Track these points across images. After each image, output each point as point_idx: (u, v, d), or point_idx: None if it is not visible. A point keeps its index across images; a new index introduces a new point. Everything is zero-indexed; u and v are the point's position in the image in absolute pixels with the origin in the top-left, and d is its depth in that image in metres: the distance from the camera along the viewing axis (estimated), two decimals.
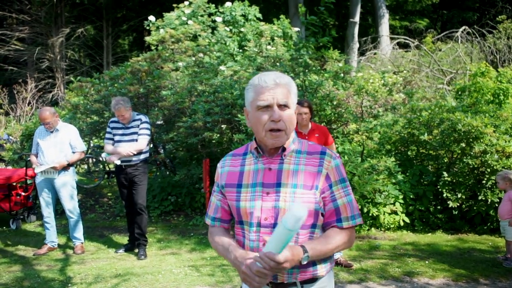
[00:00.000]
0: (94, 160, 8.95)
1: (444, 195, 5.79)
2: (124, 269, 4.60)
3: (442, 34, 13.57)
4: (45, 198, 5.17)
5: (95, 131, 7.48)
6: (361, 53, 13.53)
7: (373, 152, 6.32)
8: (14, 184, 6.26)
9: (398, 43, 13.22)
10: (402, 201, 5.86)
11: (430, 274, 4.44)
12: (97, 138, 8.69)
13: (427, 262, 4.78)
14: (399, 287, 4.14)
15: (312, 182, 1.60)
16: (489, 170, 5.59)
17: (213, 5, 9.61)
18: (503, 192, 5.10)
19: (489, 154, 5.56)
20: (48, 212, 5.18)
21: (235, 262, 1.58)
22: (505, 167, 5.46)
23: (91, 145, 8.87)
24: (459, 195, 5.72)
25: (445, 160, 6.15)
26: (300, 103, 4.27)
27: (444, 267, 4.63)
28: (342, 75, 6.94)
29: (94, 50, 19.93)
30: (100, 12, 19.26)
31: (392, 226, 5.87)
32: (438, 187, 5.88)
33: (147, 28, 9.08)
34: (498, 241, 5.48)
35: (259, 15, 9.81)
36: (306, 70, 6.59)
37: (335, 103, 6.24)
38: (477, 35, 12.24)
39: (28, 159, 6.04)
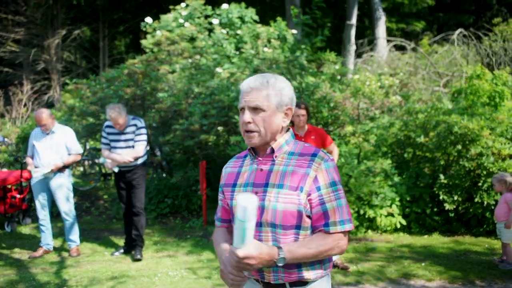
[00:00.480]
0: (90, 162, 8.91)
1: (441, 197, 5.80)
2: (120, 271, 4.58)
3: (438, 37, 13.62)
4: (40, 201, 5.14)
5: (91, 133, 7.46)
6: (358, 55, 13.56)
7: (370, 154, 6.33)
8: (9, 186, 6.22)
9: (394, 46, 13.26)
10: (398, 203, 5.87)
11: (427, 276, 4.44)
12: (93, 140, 8.66)
13: (423, 264, 4.78)
14: None
15: (297, 183, 1.60)
16: (485, 172, 5.60)
17: (210, 7, 9.61)
18: (499, 194, 5.12)
19: (485, 156, 5.58)
20: (43, 214, 5.15)
21: (219, 259, 1.66)
22: (501, 170, 5.47)
23: (87, 147, 8.83)
24: (455, 198, 5.74)
25: (442, 163, 6.16)
26: (297, 105, 4.28)
27: (441, 269, 4.64)
28: (338, 77, 6.95)
29: (90, 52, 19.87)
30: (97, 13, 19.22)
31: (388, 228, 5.88)
32: (435, 189, 5.89)
33: (144, 29, 9.06)
34: (494, 243, 5.50)
35: (256, 17, 9.81)
36: (303, 72, 6.60)
37: (331, 105, 6.25)
38: (473, 38, 12.30)
39: (24, 161, 6.01)
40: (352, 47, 13.48)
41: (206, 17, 9.49)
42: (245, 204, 1.41)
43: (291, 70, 6.59)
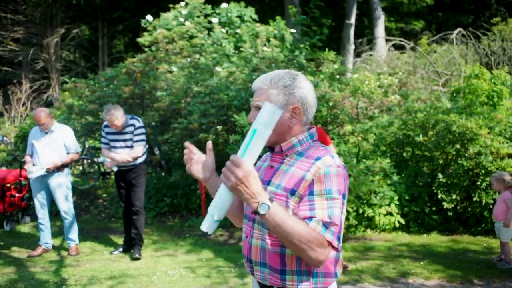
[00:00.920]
0: (89, 161, 8.91)
1: (439, 196, 5.81)
2: (119, 270, 4.58)
3: (437, 36, 13.62)
4: (39, 199, 5.14)
5: (90, 132, 7.45)
6: (357, 54, 13.56)
7: (369, 153, 6.33)
8: (8, 185, 6.22)
9: (393, 45, 13.26)
10: (397, 202, 5.88)
11: (425, 275, 4.45)
12: (92, 139, 8.66)
13: (422, 263, 4.79)
14: None
15: (291, 186, 1.53)
16: (483, 171, 5.62)
17: (209, 6, 9.60)
18: (497, 193, 5.13)
19: (484, 155, 5.59)
20: (42, 213, 5.15)
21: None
22: (500, 169, 5.49)
23: (86, 146, 8.83)
24: (454, 197, 5.75)
25: (440, 162, 6.17)
26: None
27: (439, 268, 4.65)
28: (337, 76, 6.95)
29: (90, 50, 19.86)
30: (96, 12, 19.20)
31: (387, 227, 5.89)
32: (433, 188, 5.90)
33: (145, 26, 9.04)
34: (493, 242, 5.51)
35: (255, 16, 9.81)
36: (302, 71, 6.60)
37: (330, 104, 6.25)
38: (471, 37, 12.30)
39: (23, 160, 6.01)
40: (351, 47, 13.49)
41: (206, 16, 9.49)
42: (265, 110, 1.43)
43: (289, 69, 6.58)
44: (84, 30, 19.92)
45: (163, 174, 7.74)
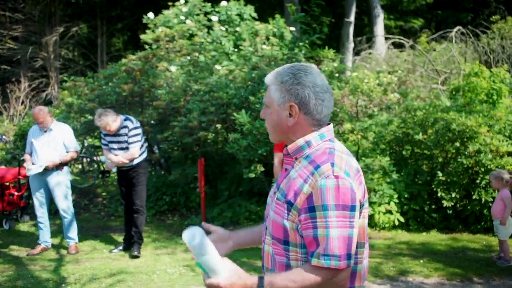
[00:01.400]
0: (88, 159, 8.90)
1: (439, 194, 5.81)
2: (118, 269, 4.58)
3: (436, 34, 13.62)
4: (38, 198, 5.13)
5: (89, 131, 7.44)
6: (356, 52, 13.55)
7: (368, 152, 6.34)
8: (7, 183, 6.21)
9: (393, 43, 13.26)
10: (396, 201, 5.88)
11: (425, 273, 4.46)
12: (91, 138, 8.64)
13: (421, 261, 4.80)
14: (394, 286, 4.16)
15: (290, 196, 1.43)
16: (483, 169, 5.62)
17: (209, 4, 9.58)
18: (496, 191, 5.13)
19: (483, 153, 5.59)
20: (41, 212, 5.15)
21: None
22: (499, 167, 5.49)
23: (85, 144, 8.82)
24: (453, 195, 5.75)
25: (440, 160, 6.17)
26: None
27: (439, 266, 4.65)
28: (337, 74, 6.94)
29: (88, 49, 19.81)
30: (94, 11, 19.14)
31: (387, 225, 5.89)
32: (433, 186, 5.90)
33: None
34: (492, 240, 5.52)
35: (255, 14, 9.79)
36: None
37: None
38: (471, 35, 12.30)
39: (22, 158, 6.00)
40: (351, 45, 13.48)
41: (205, 14, 9.48)
42: (188, 241, 1.37)
43: None
44: (83, 28, 19.88)
45: (162, 172, 7.74)
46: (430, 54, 11.93)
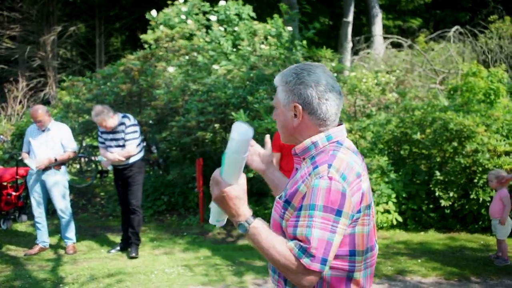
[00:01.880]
0: (86, 159, 8.89)
1: (437, 194, 5.82)
2: (116, 269, 4.57)
3: (434, 34, 13.63)
4: (36, 198, 5.12)
5: (87, 131, 7.43)
6: (355, 52, 13.56)
7: (366, 151, 6.33)
8: (5, 183, 6.20)
9: (391, 43, 13.26)
10: (394, 200, 5.89)
11: (423, 272, 4.46)
12: (89, 138, 8.64)
13: (419, 260, 4.80)
14: (392, 286, 4.16)
15: (289, 195, 1.44)
16: (480, 169, 5.63)
17: (208, 3, 9.57)
18: (494, 191, 5.14)
19: (481, 153, 5.60)
20: (39, 212, 5.14)
21: None
22: (497, 166, 5.50)
23: (83, 144, 8.81)
24: (451, 194, 5.76)
25: (438, 159, 6.18)
26: None
27: (436, 265, 4.66)
28: (335, 74, 6.95)
29: (87, 48, 19.78)
30: (93, 10, 19.11)
31: (384, 225, 5.90)
32: (431, 186, 5.91)
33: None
34: (490, 239, 5.53)
35: (253, 14, 9.79)
36: None
37: None
38: (469, 35, 12.32)
39: (19, 158, 5.98)
40: (349, 44, 13.49)
41: (204, 13, 9.47)
42: (234, 134, 1.35)
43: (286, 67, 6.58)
44: (81, 28, 19.84)
45: (160, 172, 7.73)
46: (428, 54, 11.94)
